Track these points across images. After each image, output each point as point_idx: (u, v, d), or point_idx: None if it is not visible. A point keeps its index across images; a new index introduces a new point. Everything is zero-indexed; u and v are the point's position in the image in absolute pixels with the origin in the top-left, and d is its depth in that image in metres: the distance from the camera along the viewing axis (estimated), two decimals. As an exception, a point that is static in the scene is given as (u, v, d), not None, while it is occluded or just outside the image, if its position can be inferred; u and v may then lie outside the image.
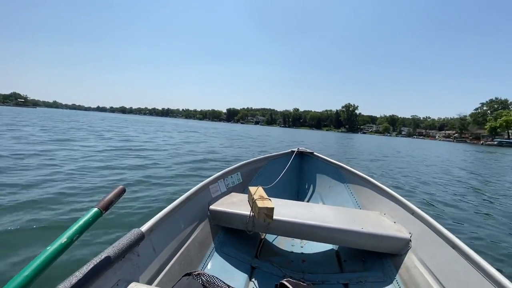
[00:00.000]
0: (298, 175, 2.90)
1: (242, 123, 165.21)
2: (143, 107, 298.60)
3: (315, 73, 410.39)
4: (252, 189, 1.69)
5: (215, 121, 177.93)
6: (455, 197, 4.92)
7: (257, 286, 1.38)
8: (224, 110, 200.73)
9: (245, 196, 1.86)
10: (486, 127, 71.58)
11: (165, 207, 1.30)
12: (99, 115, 67.17)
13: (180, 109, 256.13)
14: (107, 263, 0.87)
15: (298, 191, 2.81)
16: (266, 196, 1.56)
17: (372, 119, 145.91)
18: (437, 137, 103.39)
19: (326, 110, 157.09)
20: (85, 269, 0.81)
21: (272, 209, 1.42)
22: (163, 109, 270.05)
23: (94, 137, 10.69)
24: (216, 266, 1.45)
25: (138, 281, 0.99)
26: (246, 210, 1.57)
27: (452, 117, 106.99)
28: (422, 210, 1.45)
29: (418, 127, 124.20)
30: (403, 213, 1.57)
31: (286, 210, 1.61)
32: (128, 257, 1.00)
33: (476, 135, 79.76)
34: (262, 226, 1.51)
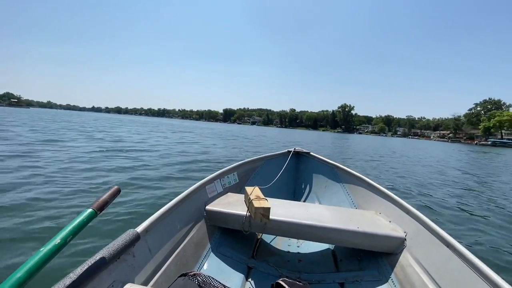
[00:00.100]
0: (295, 175, 2.90)
1: (238, 123, 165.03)
2: (139, 107, 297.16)
3: (312, 74, 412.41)
4: (248, 189, 1.69)
5: (212, 121, 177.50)
6: (450, 198, 4.97)
7: (254, 286, 1.38)
8: (221, 111, 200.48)
9: (242, 196, 1.86)
10: (480, 127, 72.51)
11: (160, 207, 1.30)
12: (93, 115, 65.96)
13: (176, 110, 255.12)
14: (102, 264, 0.87)
15: (294, 191, 2.82)
16: (262, 196, 1.56)
17: (368, 120, 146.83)
18: (432, 137, 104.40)
19: (323, 111, 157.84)
20: (80, 270, 0.80)
21: (268, 209, 1.42)
22: (159, 109, 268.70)
23: (84, 137, 10.44)
24: (212, 266, 1.44)
25: (133, 282, 0.98)
26: (242, 210, 1.57)
27: (446, 118, 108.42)
28: (417, 210, 1.47)
29: (413, 127, 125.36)
30: (398, 213, 1.58)
31: (282, 210, 1.62)
32: (123, 258, 0.99)
33: (470, 135, 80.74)
34: (259, 226, 1.51)
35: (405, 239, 1.40)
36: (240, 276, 1.41)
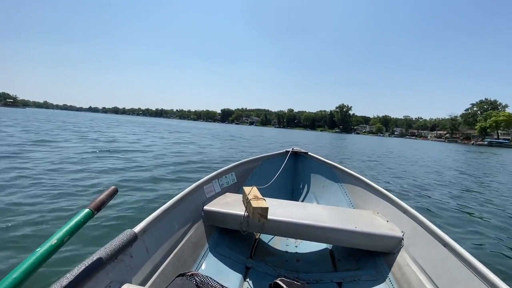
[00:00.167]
0: (293, 175, 2.90)
1: (236, 123, 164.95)
2: (137, 107, 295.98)
3: (310, 74, 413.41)
4: (246, 189, 1.69)
5: (210, 121, 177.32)
6: (447, 198, 5.00)
7: (252, 286, 1.38)
8: (219, 111, 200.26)
9: (240, 196, 1.86)
10: (476, 127, 73.08)
11: (156, 208, 1.29)
12: (89, 116, 65.22)
13: (174, 110, 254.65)
14: (99, 264, 0.86)
15: (292, 191, 2.82)
16: (260, 196, 1.56)
17: (366, 120, 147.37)
18: (429, 137, 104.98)
19: (320, 111, 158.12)
20: (76, 270, 0.80)
21: (266, 209, 1.42)
22: (156, 109, 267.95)
23: (78, 138, 10.26)
24: (210, 266, 1.44)
25: (131, 283, 0.98)
26: (240, 210, 1.57)
27: (443, 118, 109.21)
28: (414, 209, 1.48)
29: (411, 128, 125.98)
30: (395, 212, 1.59)
31: (280, 210, 1.62)
32: (121, 258, 0.99)
33: (467, 135, 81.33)
34: (257, 226, 1.50)
35: (403, 239, 1.40)
36: (238, 276, 1.41)
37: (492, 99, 79.05)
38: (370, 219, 1.61)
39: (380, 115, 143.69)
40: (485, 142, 62.93)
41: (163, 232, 1.28)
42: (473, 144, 65.22)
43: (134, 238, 1.04)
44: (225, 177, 2.11)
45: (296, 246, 1.87)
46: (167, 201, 1.38)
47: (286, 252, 1.80)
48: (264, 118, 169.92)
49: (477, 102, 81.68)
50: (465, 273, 1.01)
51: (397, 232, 1.43)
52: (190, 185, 1.65)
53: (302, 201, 2.63)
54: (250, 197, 1.53)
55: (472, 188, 6.23)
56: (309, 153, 2.85)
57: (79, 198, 3.21)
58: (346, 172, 2.30)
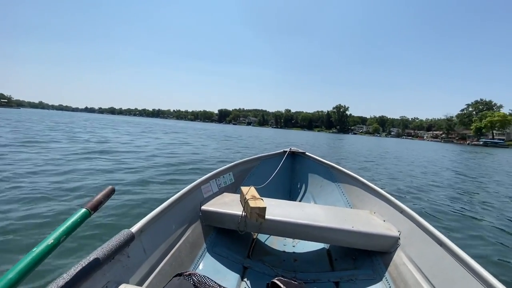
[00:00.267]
0: (290, 175, 2.91)
1: (234, 124, 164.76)
2: (133, 108, 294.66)
3: (307, 75, 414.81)
4: (244, 189, 1.69)
5: (207, 122, 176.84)
6: (444, 198, 5.04)
7: (249, 286, 1.38)
8: (216, 111, 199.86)
9: (237, 196, 1.86)
10: (471, 127, 73.65)
11: (155, 207, 1.29)
12: (84, 116, 64.04)
13: (171, 110, 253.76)
14: (96, 264, 0.86)
15: (290, 191, 2.83)
16: (258, 196, 1.56)
17: (362, 120, 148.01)
18: (425, 137, 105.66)
19: (318, 111, 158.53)
20: (73, 271, 0.79)
21: (264, 208, 1.42)
22: (153, 110, 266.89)
23: (68, 139, 9.96)
24: (208, 266, 1.43)
25: (128, 283, 0.98)
26: (238, 210, 1.57)
27: (439, 118, 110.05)
28: (411, 209, 1.49)
29: (407, 128, 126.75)
30: (392, 212, 1.60)
31: (278, 209, 1.62)
32: (118, 259, 0.98)
33: (462, 136, 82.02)
34: (254, 226, 1.50)
35: (399, 238, 1.41)
36: (236, 276, 1.41)
37: (487, 100, 79.81)
38: (367, 218, 1.62)
39: (377, 116, 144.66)
40: (481, 142, 63.46)
41: (161, 232, 1.28)
42: (468, 144, 65.79)
43: (131, 238, 1.04)
44: (223, 177, 2.11)
45: (293, 246, 1.88)
46: (165, 201, 1.38)
47: (284, 251, 1.80)
48: (262, 119, 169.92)
49: (472, 103, 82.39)
50: (461, 272, 1.02)
51: (393, 232, 1.44)
52: (187, 185, 1.65)
53: (300, 201, 2.64)
54: (247, 197, 1.53)
55: (468, 188, 6.29)
56: (306, 153, 2.86)
57: (58, 204, 2.97)
58: (343, 172, 2.31)
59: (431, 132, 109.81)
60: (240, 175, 2.39)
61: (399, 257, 1.34)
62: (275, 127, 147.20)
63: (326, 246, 1.82)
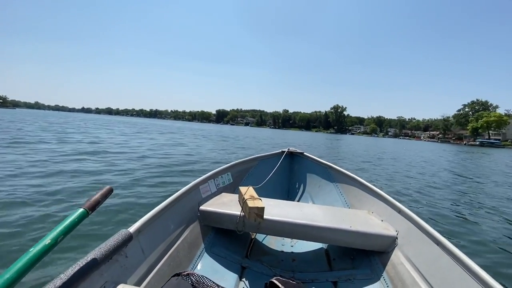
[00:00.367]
0: (289, 175, 2.91)
1: (231, 124, 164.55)
2: (130, 108, 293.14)
3: (304, 75, 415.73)
4: (242, 189, 1.69)
5: (204, 122, 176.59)
6: (441, 198, 5.06)
7: (248, 286, 1.37)
8: (214, 111, 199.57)
9: (236, 196, 1.86)
10: (468, 128, 74.16)
11: (153, 207, 1.28)
12: (80, 116, 62.95)
13: (169, 110, 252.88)
14: (94, 264, 0.85)
15: (288, 191, 2.83)
16: (256, 196, 1.56)
17: (360, 120, 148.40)
18: (422, 137, 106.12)
19: (315, 112, 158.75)
20: (71, 271, 0.79)
21: (262, 208, 1.42)
22: (151, 110, 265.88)
23: (60, 139, 9.65)
24: (206, 266, 1.43)
25: (126, 283, 0.97)
26: (236, 210, 1.57)
27: (436, 118, 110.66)
28: (408, 209, 1.49)
29: (404, 128, 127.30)
30: (390, 212, 1.61)
31: (276, 209, 1.62)
32: (116, 259, 0.98)
33: (459, 136, 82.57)
34: (253, 226, 1.50)
35: (397, 238, 1.42)
36: (234, 276, 1.41)
37: (483, 100, 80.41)
38: (365, 218, 1.62)
39: (374, 116, 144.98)
40: (477, 142, 63.92)
41: (159, 232, 1.28)
42: (465, 144, 66.25)
43: (129, 238, 1.03)
44: (221, 177, 2.11)
45: (291, 246, 1.88)
46: (163, 201, 1.38)
47: (282, 251, 1.80)
48: (260, 119, 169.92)
49: (468, 103, 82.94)
50: (458, 271, 1.02)
51: (391, 232, 1.45)
52: (185, 185, 1.65)
53: (298, 201, 2.64)
54: (246, 197, 1.53)
55: (464, 188, 6.33)
56: (304, 153, 2.87)
57: (37, 210, 2.76)
58: (342, 172, 2.32)
59: (428, 132, 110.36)
60: (239, 175, 2.39)
61: (397, 256, 1.35)
62: (273, 128, 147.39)
63: (324, 246, 1.83)
